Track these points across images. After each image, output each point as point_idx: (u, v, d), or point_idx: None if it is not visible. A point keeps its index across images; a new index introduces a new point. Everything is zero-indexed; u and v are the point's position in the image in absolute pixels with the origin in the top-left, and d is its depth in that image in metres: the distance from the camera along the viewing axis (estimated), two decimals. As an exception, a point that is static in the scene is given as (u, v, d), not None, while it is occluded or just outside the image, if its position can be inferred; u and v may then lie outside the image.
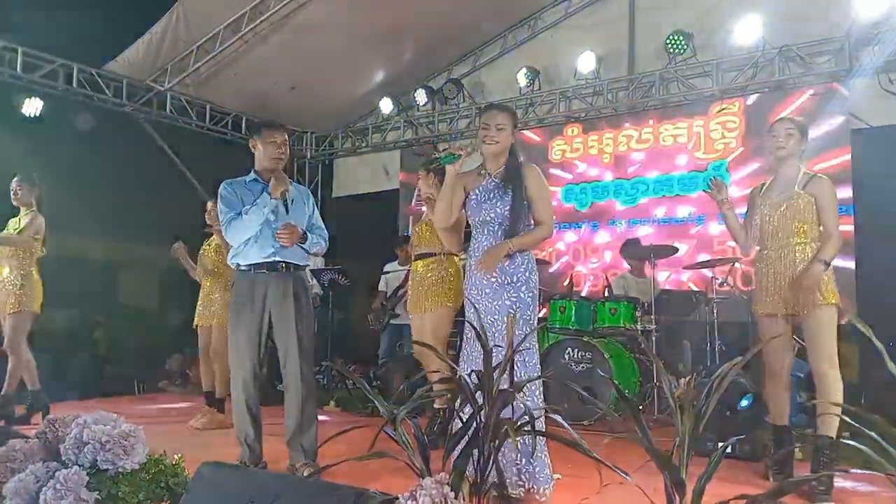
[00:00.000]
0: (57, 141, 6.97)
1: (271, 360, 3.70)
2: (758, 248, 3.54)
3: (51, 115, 6.70)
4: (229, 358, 3.49)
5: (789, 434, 3.46)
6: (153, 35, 6.63)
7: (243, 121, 8.15)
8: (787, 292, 3.32)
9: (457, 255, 4.22)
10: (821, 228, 3.34)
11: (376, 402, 1.80)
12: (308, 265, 3.55)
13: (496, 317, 2.87)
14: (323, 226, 3.65)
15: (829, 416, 3.18)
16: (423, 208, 4.55)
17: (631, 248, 6.02)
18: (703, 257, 6.17)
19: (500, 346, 2.53)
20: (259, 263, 3.35)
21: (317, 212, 3.65)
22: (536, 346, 2.92)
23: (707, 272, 5.71)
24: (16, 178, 4.93)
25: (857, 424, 1.58)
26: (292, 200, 3.43)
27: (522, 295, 2.90)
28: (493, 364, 1.61)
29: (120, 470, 2.07)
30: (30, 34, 6.40)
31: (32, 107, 6.57)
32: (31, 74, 6.48)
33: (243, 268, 3.39)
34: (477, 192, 3.03)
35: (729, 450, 3.83)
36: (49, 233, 4.99)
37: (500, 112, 3.04)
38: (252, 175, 3.46)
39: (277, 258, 3.36)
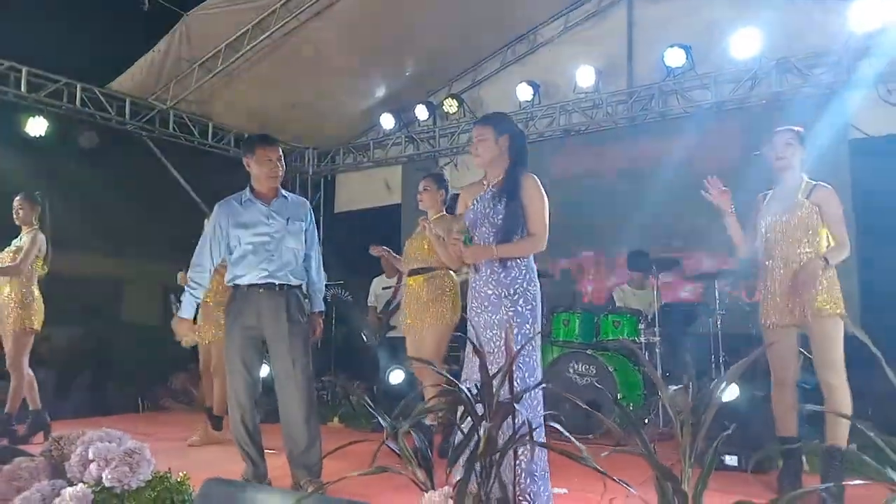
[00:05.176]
0: (61, 159, 7.03)
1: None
2: (761, 257, 3.55)
3: (54, 134, 6.76)
4: (225, 375, 3.50)
5: (797, 445, 3.43)
6: (156, 53, 6.70)
7: (245, 137, 8.20)
8: (793, 300, 3.32)
9: (454, 271, 4.23)
10: (826, 237, 3.34)
11: (378, 417, 1.81)
12: (302, 283, 3.52)
13: (495, 331, 2.79)
14: (318, 250, 3.62)
15: (838, 427, 3.19)
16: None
17: (637, 260, 6.03)
18: (705, 269, 6.17)
19: (499, 361, 2.51)
20: (254, 284, 3.36)
21: (314, 231, 3.60)
22: (538, 360, 2.83)
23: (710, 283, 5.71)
24: (18, 197, 4.90)
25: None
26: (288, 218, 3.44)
27: (520, 308, 2.80)
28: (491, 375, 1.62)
29: (125, 487, 2.08)
30: (34, 54, 6.47)
31: (36, 126, 6.62)
32: (35, 94, 6.53)
33: (239, 287, 3.41)
34: (475, 202, 2.98)
35: (736, 463, 3.89)
36: (52, 250, 4.98)
37: (480, 124, 3.01)
38: (248, 194, 3.46)
39: (270, 279, 3.36)
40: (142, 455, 2.12)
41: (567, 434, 1.60)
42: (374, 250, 5.04)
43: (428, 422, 4.05)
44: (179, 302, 3.43)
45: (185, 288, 3.40)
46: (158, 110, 7.33)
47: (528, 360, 2.74)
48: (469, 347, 2.83)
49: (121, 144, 7.44)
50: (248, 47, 6.63)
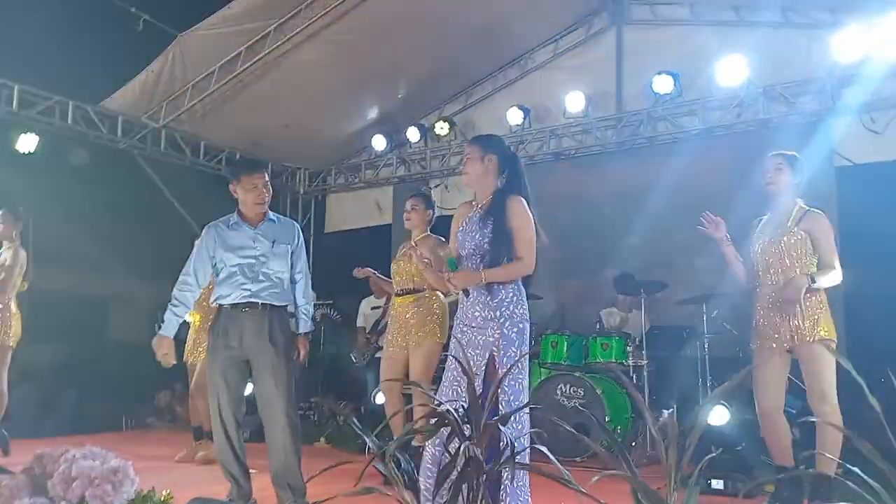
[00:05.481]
0: (52, 177, 7.01)
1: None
2: (756, 283, 3.56)
3: (46, 151, 6.74)
4: (208, 395, 3.48)
5: (788, 475, 3.37)
6: (149, 73, 6.72)
7: (237, 157, 8.21)
8: (782, 324, 3.32)
9: (443, 293, 4.22)
10: (815, 263, 3.34)
11: (365, 437, 1.80)
12: (287, 304, 3.51)
13: (478, 351, 2.78)
14: (306, 272, 3.61)
15: (827, 453, 3.17)
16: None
17: (624, 283, 6.05)
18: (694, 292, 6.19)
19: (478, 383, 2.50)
20: (237, 304, 3.36)
21: (302, 253, 3.59)
22: (524, 383, 2.80)
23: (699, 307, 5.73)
24: (0, 213, 4.90)
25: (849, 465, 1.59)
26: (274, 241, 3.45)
27: (506, 331, 2.78)
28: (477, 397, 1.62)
29: (107, 506, 2.05)
30: (27, 71, 6.48)
31: (27, 142, 6.60)
32: (27, 111, 6.53)
33: (223, 307, 3.41)
34: (464, 223, 2.98)
35: (722, 487, 3.89)
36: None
37: (469, 144, 3.06)
38: (236, 217, 3.48)
39: (254, 299, 3.36)
40: (125, 473, 2.10)
41: (551, 457, 1.61)
42: (359, 272, 4.98)
43: (416, 443, 4.03)
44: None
45: (168, 306, 3.40)
46: (151, 129, 7.33)
47: (513, 383, 2.70)
48: (449, 363, 2.82)
49: (112, 162, 7.42)
50: (242, 69, 6.67)
